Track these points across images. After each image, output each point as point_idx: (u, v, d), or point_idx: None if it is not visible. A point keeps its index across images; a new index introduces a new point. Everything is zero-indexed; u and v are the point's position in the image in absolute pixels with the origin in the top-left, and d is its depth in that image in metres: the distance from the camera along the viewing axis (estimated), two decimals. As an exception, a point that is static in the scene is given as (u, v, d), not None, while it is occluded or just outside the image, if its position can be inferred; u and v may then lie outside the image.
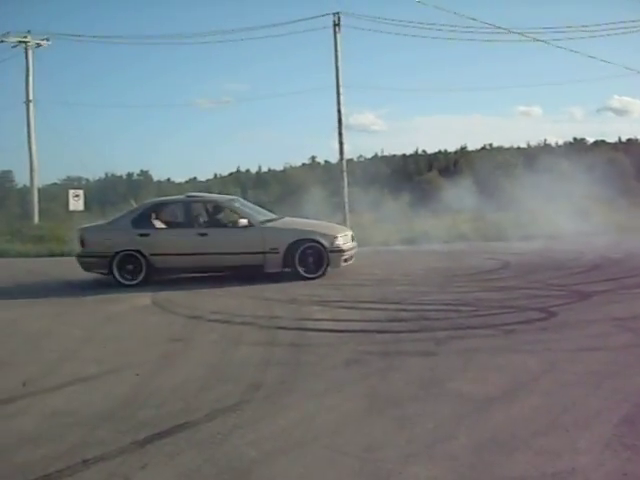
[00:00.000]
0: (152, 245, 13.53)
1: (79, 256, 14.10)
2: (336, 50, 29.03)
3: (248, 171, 70.36)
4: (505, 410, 5.51)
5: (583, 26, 38.96)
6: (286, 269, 13.36)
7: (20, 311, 11.37)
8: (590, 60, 50.59)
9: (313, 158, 68.52)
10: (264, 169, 68.64)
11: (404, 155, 68.93)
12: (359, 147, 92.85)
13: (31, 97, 33.08)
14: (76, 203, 29.51)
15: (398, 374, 6.61)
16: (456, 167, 55.33)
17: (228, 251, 13.40)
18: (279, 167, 65.44)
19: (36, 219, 32.56)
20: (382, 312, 9.64)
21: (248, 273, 13.53)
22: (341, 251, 13.39)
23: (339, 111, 29.04)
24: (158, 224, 14.00)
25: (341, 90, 28.92)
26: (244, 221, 13.55)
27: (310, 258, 13.27)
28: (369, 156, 69.45)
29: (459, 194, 29.14)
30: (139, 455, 4.96)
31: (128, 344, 8.64)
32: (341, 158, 29.39)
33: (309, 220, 15.49)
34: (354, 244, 14.17)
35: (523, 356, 7.05)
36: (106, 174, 58.31)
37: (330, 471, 4.52)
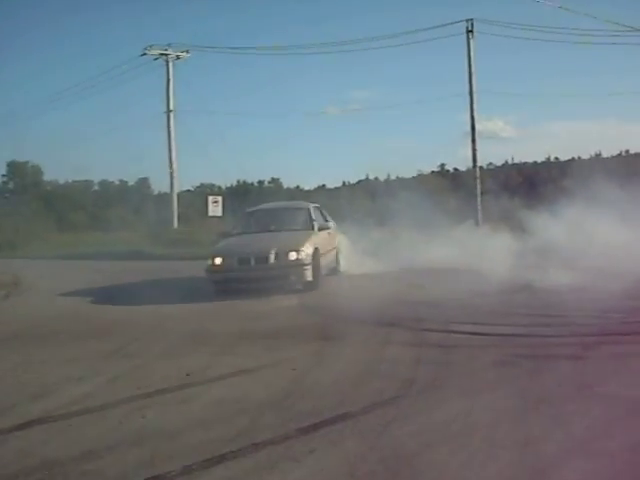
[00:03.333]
0: None
1: None
2: (469, 57, 29.06)
3: (377, 179, 70.34)
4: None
5: None
6: None
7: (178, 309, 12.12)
8: None
9: (442, 166, 67.89)
10: (392, 177, 68.54)
11: (535, 162, 67.43)
12: (488, 154, 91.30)
13: (171, 107, 34.53)
14: (215, 209, 30.60)
15: (549, 376, 6.71)
16: (590, 175, 53.74)
17: None
18: (407, 175, 65.27)
19: (175, 224, 33.93)
20: (528, 317, 9.67)
21: None
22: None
23: (472, 117, 29.07)
24: None
25: (475, 97, 28.91)
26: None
27: None
28: (499, 163, 68.40)
29: (594, 202, 28.35)
30: (305, 441, 5.29)
31: (280, 341, 9.07)
32: (474, 165, 29.40)
33: (292, 234, 14.82)
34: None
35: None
36: (238, 181, 59.82)
37: (490, 461, 4.70)
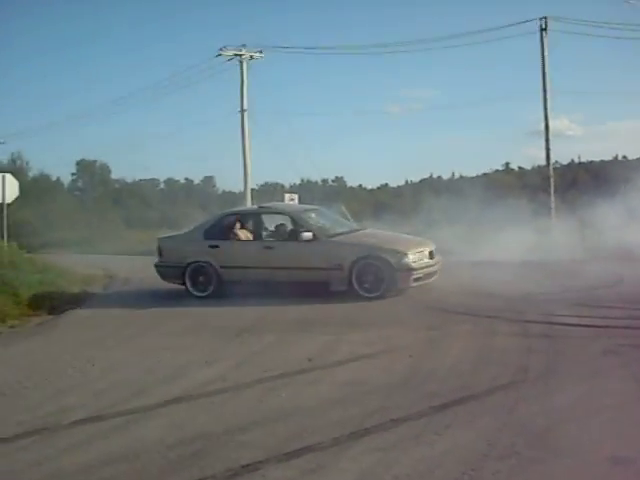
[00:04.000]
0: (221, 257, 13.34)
1: None
2: (543, 55, 29.02)
3: (440, 177, 70.23)
4: None
5: None
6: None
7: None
8: None
9: (507, 164, 67.45)
10: (456, 175, 68.37)
11: (602, 161, 66.49)
12: (554, 153, 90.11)
13: (245, 106, 35.20)
14: (291, 206, 31.01)
15: (658, 363, 7.04)
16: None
17: (293, 266, 12.79)
18: (471, 174, 64.96)
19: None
20: (625, 310, 9.94)
21: (313, 290, 12.63)
22: (410, 269, 12.26)
23: (546, 117, 29.04)
24: (230, 236, 13.66)
25: (548, 96, 28.92)
26: (308, 234, 12.79)
27: (370, 276, 12.32)
28: (565, 162, 67.57)
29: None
30: (440, 417, 5.76)
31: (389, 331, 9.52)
32: (548, 163, 29.44)
33: (389, 233, 14.65)
34: (431, 261, 12.81)
35: None
36: (302, 180, 60.24)
37: (621, 437, 5.09)
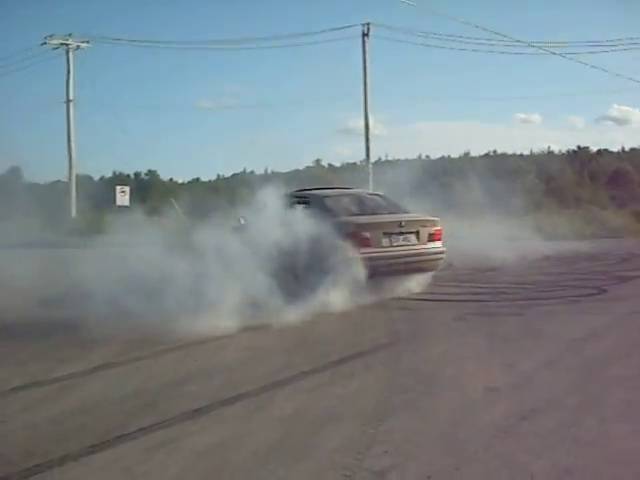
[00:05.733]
0: None
1: None
2: (364, 58, 31.23)
3: (253, 172, 71.54)
4: (591, 346, 7.75)
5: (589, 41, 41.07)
6: None
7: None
8: (591, 71, 52.62)
9: (318, 161, 69.86)
10: (269, 171, 69.93)
11: (407, 160, 70.51)
12: (358, 151, 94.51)
13: (71, 97, 35.07)
14: (122, 198, 31.28)
15: (502, 325, 8.84)
16: (461, 172, 57.09)
17: None
18: (283, 169, 66.83)
19: (73, 212, 34.47)
20: (458, 288, 11.77)
21: None
22: None
23: (366, 117, 31.34)
24: None
25: (368, 97, 31.14)
26: None
27: None
28: (372, 160, 70.86)
29: (468, 198, 30.84)
30: (342, 368, 7.05)
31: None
32: (367, 160, 31.70)
33: None
34: None
35: (592, 316, 9.38)
36: (113, 172, 59.59)
37: (487, 375, 6.64)
